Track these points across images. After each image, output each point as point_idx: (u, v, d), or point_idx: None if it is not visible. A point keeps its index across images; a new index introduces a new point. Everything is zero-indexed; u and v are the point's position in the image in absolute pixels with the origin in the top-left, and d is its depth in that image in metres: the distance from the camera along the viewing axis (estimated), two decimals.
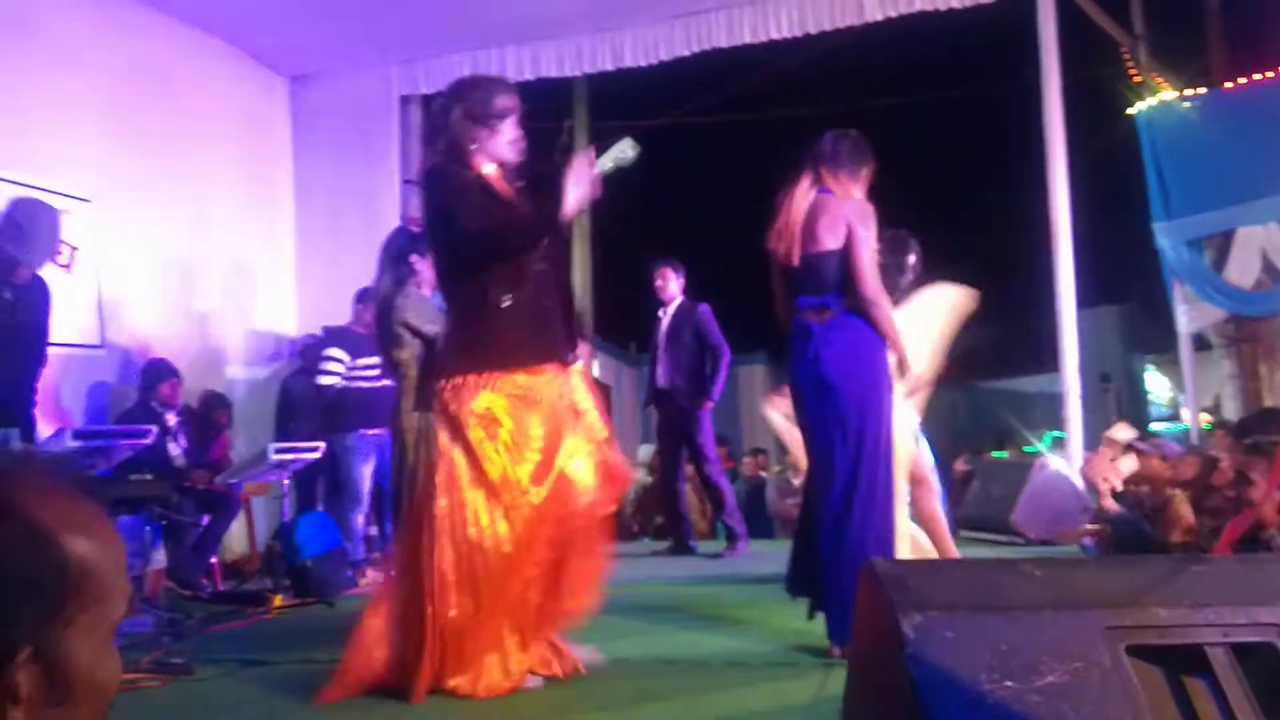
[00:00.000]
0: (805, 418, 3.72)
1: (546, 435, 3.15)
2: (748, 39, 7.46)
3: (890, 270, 4.26)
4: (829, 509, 3.52)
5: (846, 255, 3.60)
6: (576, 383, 3.36)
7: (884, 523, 3.58)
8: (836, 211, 3.63)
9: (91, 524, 0.80)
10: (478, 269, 3.18)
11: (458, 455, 3.10)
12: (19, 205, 4.93)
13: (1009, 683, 1.45)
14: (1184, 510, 4.03)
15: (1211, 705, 1.41)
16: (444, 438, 3.14)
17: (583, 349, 3.46)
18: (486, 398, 3.11)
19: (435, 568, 3.06)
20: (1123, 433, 5.38)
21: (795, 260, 3.68)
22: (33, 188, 6.03)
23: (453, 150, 3.26)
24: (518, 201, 3.30)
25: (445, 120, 3.27)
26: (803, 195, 3.70)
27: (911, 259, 4.83)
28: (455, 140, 3.25)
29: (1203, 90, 8.68)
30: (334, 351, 6.23)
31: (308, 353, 7.27)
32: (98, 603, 0.78)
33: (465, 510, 3.08)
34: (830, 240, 3.62)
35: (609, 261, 12.48)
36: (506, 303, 3.14)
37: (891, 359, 3.71)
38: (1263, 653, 1.43)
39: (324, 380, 6.19)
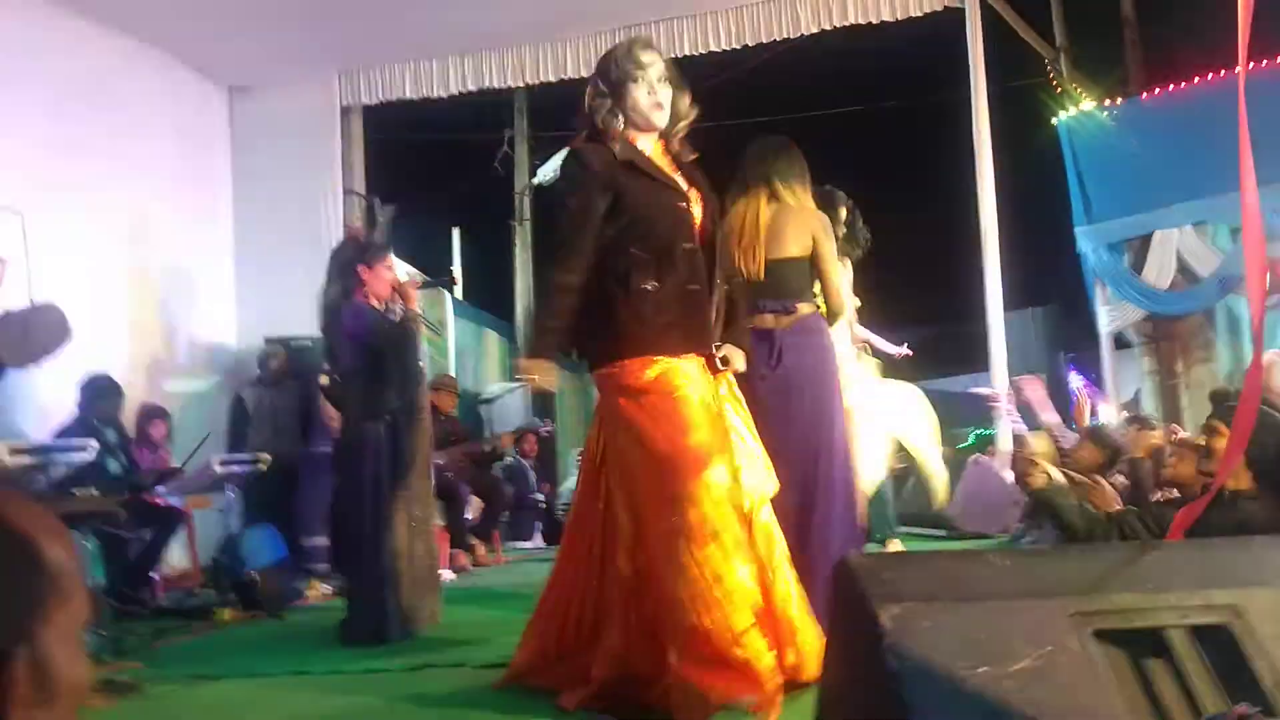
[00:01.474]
0: (769, 424, 3.57)
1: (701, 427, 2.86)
2: (687, 51, 7.58)
3: None
4: (795, 512, 3.49)
5: (815, 267, 3.76)
6: (728, 393, 3.06)
7: (849, 522, 3.67)
8: (801, 223, 3.77)
9: (59, 531, 0.84)
10: (617, 252, 2.92)
11: (621, 440, 2.92)
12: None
13: (983, 669, 1.50)
14: (1107, 494, 4.17)
15: (1173, 685, 1.49)
16: (608, 426, 3.00)
17: (735, 356, 3.09)
18: (637, 379, 2.87)
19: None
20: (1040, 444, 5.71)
21: (761, 271, 3.75)
22: None
23: (591, 129, 3.01)
24: (668, 179, 3.02)
25: (590, 102, 3.02)
26: (764, 211, 3.79)
27: (843, 212, 5.01)
28: (591, 118, 3.00)
29: (1121, 100, 9.01)
30: None
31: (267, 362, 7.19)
32: (70, 603, 0.82)
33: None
34: (795, 248, 3.75)
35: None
36: (650, 286, 2.89)
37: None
38: (1219, 634, 1.52)
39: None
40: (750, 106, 8.67)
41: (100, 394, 6.06)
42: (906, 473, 8.52)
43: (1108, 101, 9.01)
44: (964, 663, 1.51)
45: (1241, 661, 1.50)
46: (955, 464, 8.07)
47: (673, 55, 7.63)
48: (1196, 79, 8.40)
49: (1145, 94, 8.95)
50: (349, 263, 4.62)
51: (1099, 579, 1.60)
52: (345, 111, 8.38)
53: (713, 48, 7.59)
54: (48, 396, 6.32)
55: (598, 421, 3.09)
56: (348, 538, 4.48)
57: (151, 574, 5.99)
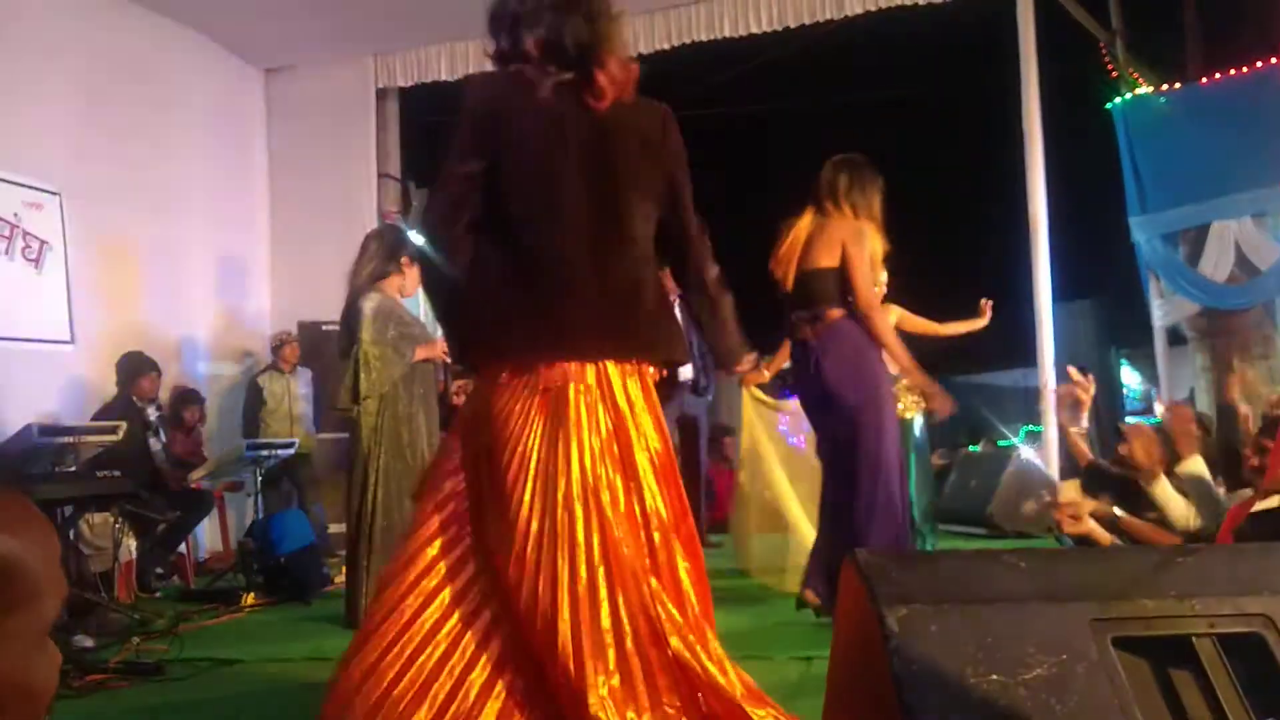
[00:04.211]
0: (816, 429, 4.00)
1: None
2: (727, 33, 7.42)
3: None
4: (850, 514, 3.72)
5: (844, 271, 3.86)
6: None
7: (891, 515, 3.71)
8: (832, 233, 3.89)
9: (18, 521, 0.75)
10: None
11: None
12: None
13: (995, 676, 1.43)
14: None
15: (1198, 697, 1.40)
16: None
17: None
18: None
19: None
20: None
21: (790, 282, 3.95)
22: (1, 181, 5.94)
23: None
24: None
25: None
26: (805, 225, 3.98)
27: None
28: None
29: (1179, 86, 8.72)
30: None
31: (280, 349, 7.22)
32: (27, 603, 0.73)
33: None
34: (824, 259, 3.88)
35: None
36: None
37: (892, 366, 3.98)
38: (1250, 644, 1.42)
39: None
40: (791, 91, 8.52)
41: (138, 369, 6.11)
42: (947, 468, 8.38)
43: (1165, 87, 8.73)
44: (973, 669, 1.44)
45: (1273, 673, 1.40)
46: (996, 461, 7.91)
47: (712, 37, 7.51)
48: (1259, 64, 8.10)
49: (1204, 79, 8.64)
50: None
51: (1121, 583, 1.50)
52: (380, 94, 8.35)
53: (754, 29, 7.41)
54: (87, 377, 6.39)
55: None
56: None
57: (179, 554, 6.05)
